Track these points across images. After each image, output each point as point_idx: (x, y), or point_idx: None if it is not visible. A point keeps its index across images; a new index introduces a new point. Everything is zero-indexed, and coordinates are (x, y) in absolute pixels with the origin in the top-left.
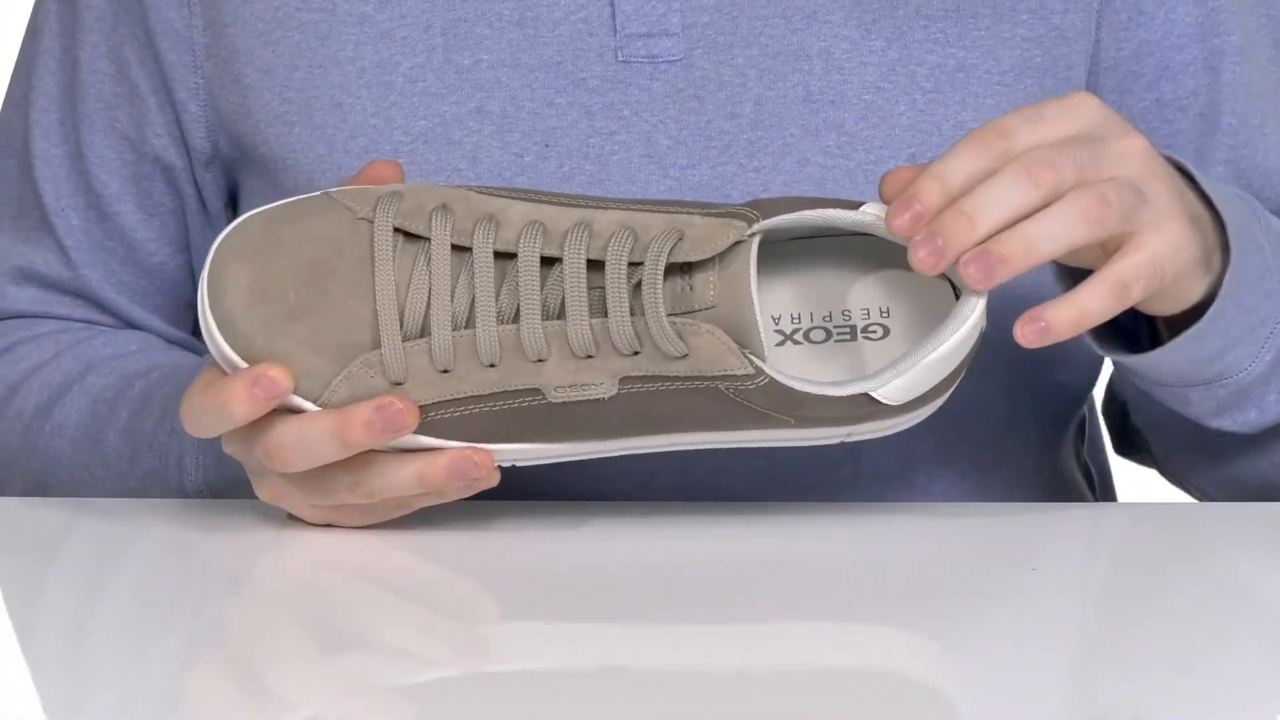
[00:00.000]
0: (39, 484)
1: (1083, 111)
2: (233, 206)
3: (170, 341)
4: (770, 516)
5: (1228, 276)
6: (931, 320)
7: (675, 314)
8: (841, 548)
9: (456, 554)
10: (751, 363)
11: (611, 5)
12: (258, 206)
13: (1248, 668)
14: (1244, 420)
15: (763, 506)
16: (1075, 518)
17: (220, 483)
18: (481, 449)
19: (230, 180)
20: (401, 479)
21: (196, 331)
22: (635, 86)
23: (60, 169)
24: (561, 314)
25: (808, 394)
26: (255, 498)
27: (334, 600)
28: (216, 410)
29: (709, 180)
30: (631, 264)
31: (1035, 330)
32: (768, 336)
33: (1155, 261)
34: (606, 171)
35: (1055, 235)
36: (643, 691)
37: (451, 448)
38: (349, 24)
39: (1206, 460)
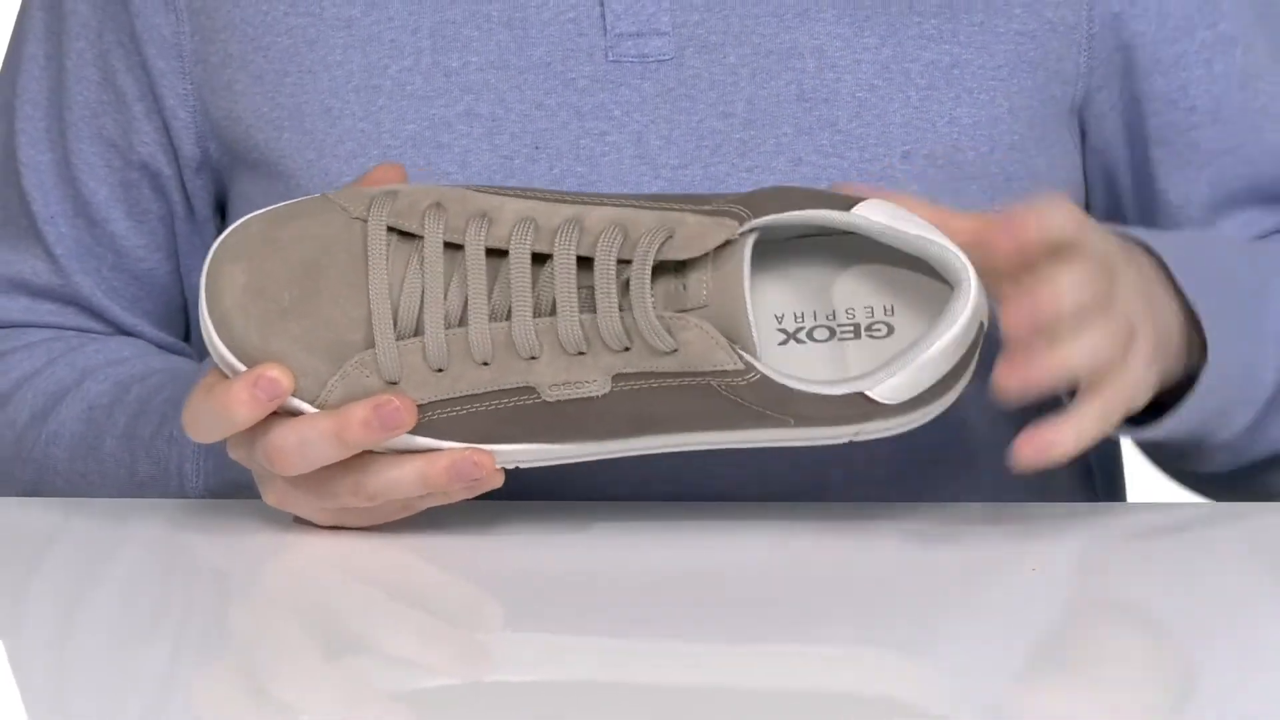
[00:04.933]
0: (33, 491)
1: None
2: (221, 213)
3: (161, 347)
4: (770, 520)
5: (1202, 381)
6: (936, 317)
7: (668, 312)
8: (840, 550)
9: (459, 558)
10: (741, 358)
11: (601, 5)
12: (249, 211)
13: (1249, 668)
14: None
15: (762, 508)
16: (1075, 518)
17: (221, 488)
18: (482, 450)
19: (220, 186)
20: (403, 481)
21: (186, 336)
22: (626, 86)
23: (48, 177)
24: (553, 311)
25: (800, 391)
26: (256, 500)
27: (336, 605)
28: (218, 414)
29: (701, 181)
30: (623, 261)
31: (1036, 451)
32: (769, 335)
33: (1129, 400)
34: (598, 173)
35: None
36: (643, 698)
37: (451, 448)
38: (336, 28)
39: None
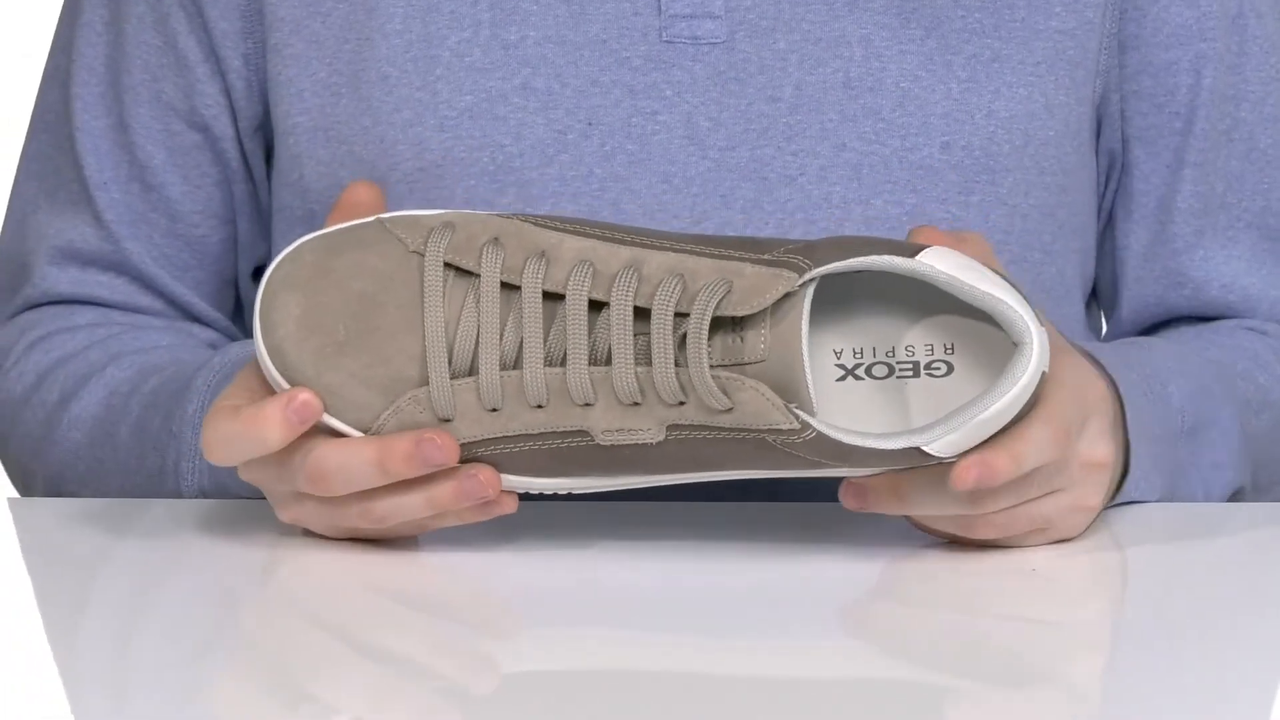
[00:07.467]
0: (59, 474)
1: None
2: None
3: (207, 324)
4: (783, 521)
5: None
6: (997, 359)
7: (725, 365)
8: (846, 551)
9: (479, 560)
10: (798, 418)
11: None
12: (288, 175)
13: (1250, 667)
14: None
15: (775, 509)
16: None
17: (213, 490)
18: (487, 468)
19: (269, 145)
20: (410, 504)
21: (235, 313)
22: (678, 67)
23: (103, 142)
24: (609, 359)
25: (856, 446)
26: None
27: (351, 610)
28: (249, 437)
29: (747, 163)
30: (679, 314)
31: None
32: (828, 371)
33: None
34: (647, 151)
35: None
36: (663, 701)
37: (455, 469)
38: None
39: None
